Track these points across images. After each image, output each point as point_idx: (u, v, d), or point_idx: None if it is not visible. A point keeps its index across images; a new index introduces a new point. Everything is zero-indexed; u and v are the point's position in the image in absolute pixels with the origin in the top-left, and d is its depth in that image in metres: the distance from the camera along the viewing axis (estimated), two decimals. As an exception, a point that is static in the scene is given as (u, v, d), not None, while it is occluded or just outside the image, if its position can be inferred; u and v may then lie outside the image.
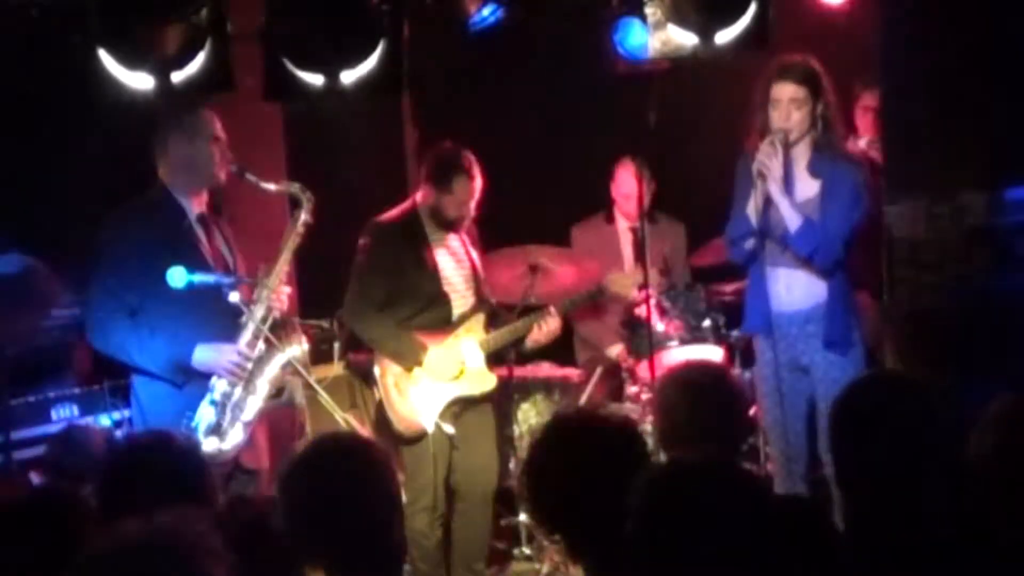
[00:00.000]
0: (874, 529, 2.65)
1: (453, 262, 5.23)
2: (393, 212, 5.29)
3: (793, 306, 4.73)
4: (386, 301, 5.11)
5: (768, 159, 4.62)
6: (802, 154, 4.73)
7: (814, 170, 4.71)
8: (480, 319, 5.26)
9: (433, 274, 5.14)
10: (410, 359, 5.09)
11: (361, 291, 5.12)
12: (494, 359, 5.33)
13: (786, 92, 4.65)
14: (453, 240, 5.26)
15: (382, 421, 5.18)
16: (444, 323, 5.18)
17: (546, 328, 5.31)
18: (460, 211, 5.14)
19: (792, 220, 4.66)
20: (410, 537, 5.10)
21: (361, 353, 5.45)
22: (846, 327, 4.68)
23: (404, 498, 5.12)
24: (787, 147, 4.68)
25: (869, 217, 4.84)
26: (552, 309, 5.35)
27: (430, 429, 5.06)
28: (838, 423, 2.82)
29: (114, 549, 2.01)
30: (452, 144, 5.20)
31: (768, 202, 4.70)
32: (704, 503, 2.32)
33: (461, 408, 5.20)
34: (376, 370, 5.18)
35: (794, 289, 4.73)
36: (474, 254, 5.32)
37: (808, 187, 4.72)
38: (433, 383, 5.11)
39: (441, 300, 5.16)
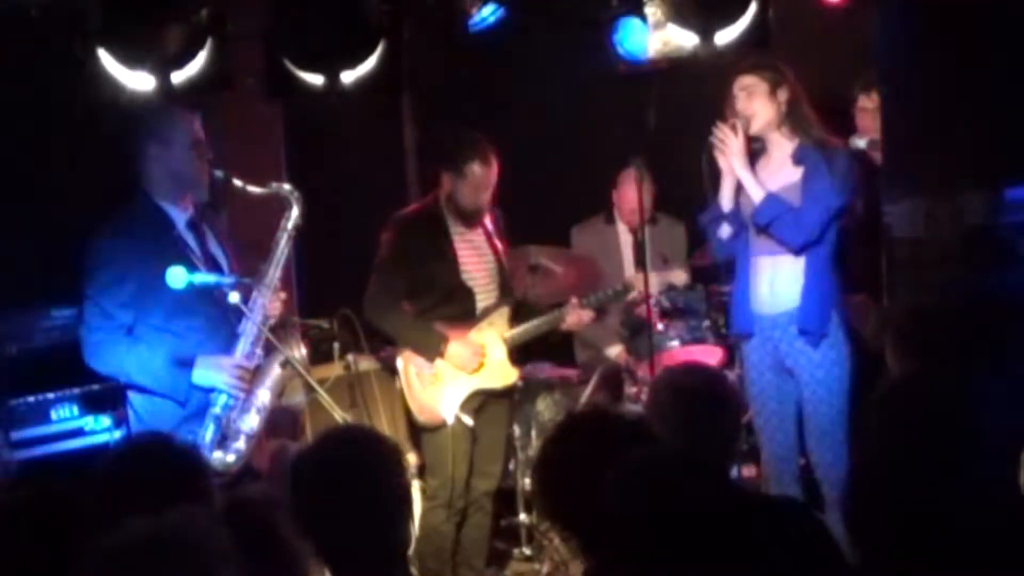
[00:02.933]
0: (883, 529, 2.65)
1: (475, 255, 5.24)
2: (414, 206, 5.33)
3: (776, 307, 4.75)
4: (407, 293, 5.13)
5: (724, 135, 4.72)
6: (785, 144, 4.78)
7: (798, 158, 4.76)
8: (504, 313, 5.28)
9: (452, 265, 5.15)
10: (431, 351, 5.11)
11: (382, 285, 5.13)
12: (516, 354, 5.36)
13: (738, 83, 4.76)
14: (475, 232, 5.26)
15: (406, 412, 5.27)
16: (467, 316, 5.20)
17: (573, 321, 5.36)
18: (474, 200, 5.11)
19: (755, 192, 4.71)
20: (425, 533, 5.15)
21: (370, 352, 5.49)
22: (821, 318, 4.68)
23: (427, 492, 5.17)
24: (748, 135, 4.75)
25: (855, 208, 4.87)
26: (575, 300, 5.38)
27: (450, 420, 5.09)
28: (874, 424, 2.81)
29: (123, 546, 2.01)
30: (468, 130, 5.20)
31: (740, 187, 4.75)
32: (670, 499, 2.31)
33: (481, 401, 5.23)
34: (399, 361, 5.22)
35: (777, 287, 4.74)
36: (499, 245, 5.31)
37: (790, 174, 4.76)
38: (455, 375, 5.13)
39: (461, 292, 5.18)
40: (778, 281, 4.75)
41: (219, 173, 4.41)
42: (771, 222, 4.67)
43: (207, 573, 2.03)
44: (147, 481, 2.82)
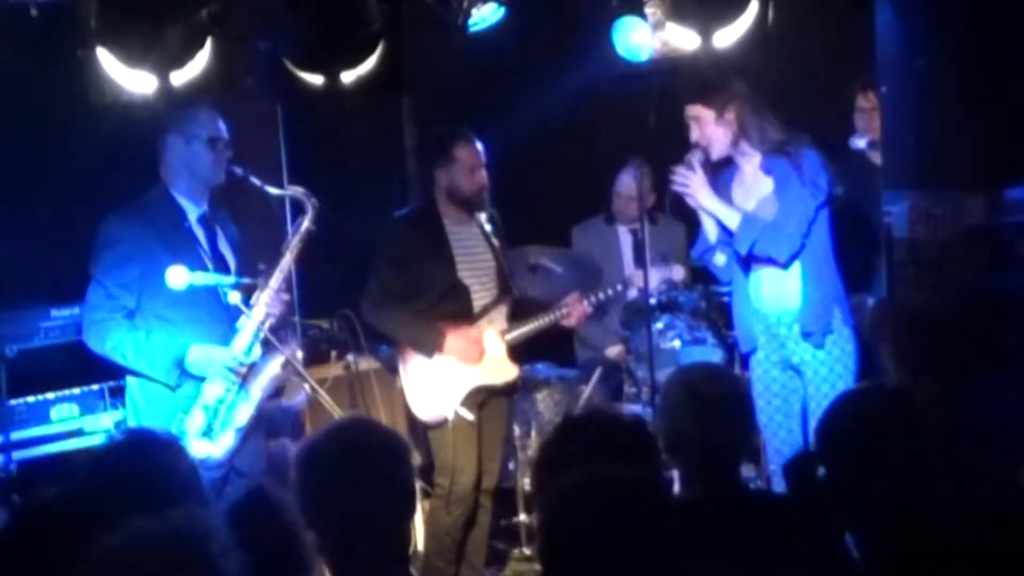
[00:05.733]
0: (869, 538, 2.66)
1: (471, 254, 5.26)
2: (411, 207, 5.36)
3: (781, 306, 4.77)
4: (404, 293, 5.15)
5: (682, 178, 4.74)
6: (752, 157, 4.80)
7: (766, 170, 4.78)
8: (502, 311, 5.30)
9: (449, 264, 5.18)
10: (430, 347, 5.13)
11: (379, 284, 5.17)
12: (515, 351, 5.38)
13: (687, 114, 4.80)
14: (472, 231, 5.28)
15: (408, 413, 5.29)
16: (465, 314, 5.21)
17: (576, 315, 5.37)
18: (472, 182, 5.15)
19: (730, 220, 4.74)
20: (431, 531, 5.19)
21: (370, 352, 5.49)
22: (823, 319, 4.70)
23: (433, 490, 5.18)
24: (710, 161, 4.78)
25: (836, 197, 4.86)
26: (576, 294, 5.39)
27: (450, 417, 5.10)
28: (821, 442, 2.84)
29: (129, 544, 2.01)
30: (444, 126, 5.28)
31: None
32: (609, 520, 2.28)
33: (483, 399, 5.25)
34: (399, 361, 5.24)
35: (779, 289, 4.76)
36: (496, 244, 5.32)
37: (763, 187, 4.79)
38: (454, 373, 5.15)
39: (458, 291, 5.20)
40: (780, 283, 4.77)
41: (239, 169, 4.46)
42: (752, 245, 4.69)
43: (210, 572, 2.03)
44: (139, 482, 2.71)
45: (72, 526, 2.54)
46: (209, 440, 4.30)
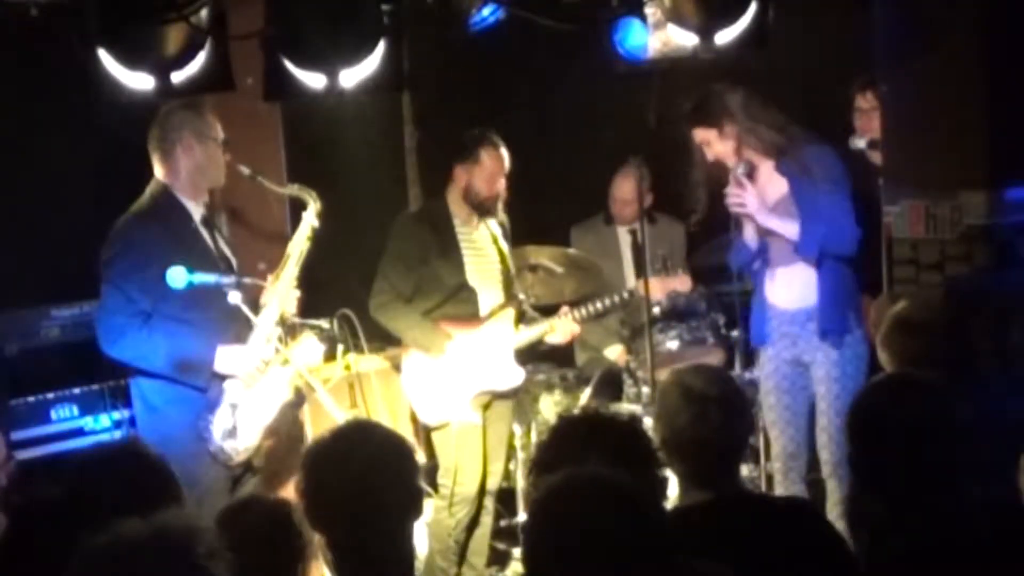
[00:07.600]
0: (890, 531, 2.66)
1: (480, 256, 5.28)
2: (421, 205, 5.34)
3: (794, 304, 4.78)
4: (412, 292, 5.15)
5: (738, 198, 4.76)
6: (763, 164, 4.82)
7: (781, 172, 4.81)
8: (509, 314, 5.32)
9: (457, 265, 5.19)
10: (435, 347, 5.13)
11: (387, 282, 5.18)
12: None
13: (695, 137, 4.87)
14: (481, 233, 5.29)
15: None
16: (471, 316, 5.22)
17: (562, 330, 5.37)
18: (491, 187, 5.18)
19: (789, 231, 4.74)
20: (434, 532, 5.20)
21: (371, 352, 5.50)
22: (841, 318, 4.71)
23: (437, 491, 5.18)
24: (754, 171, 4.83)
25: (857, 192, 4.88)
26: (566, 309, 5.41)
27: (455, 420, 5.09)
28: (852, 428, 2.85)
29: (115, 546, 2.00)
30: (474, 127, 5.31)
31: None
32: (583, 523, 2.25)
33: (487, 401, 5.27)
34: (404, 361, 5.26)
35: (794, 286, 4.78)
36: (504, 248, 5.33)
37: (777, 188, 4.80)
38: (459, 376, 5.15)
39: (465, 291, 5.21)
40: (794, 283, 4.79)
41: (246, 169, 4.50)
42: (821, 250, 4.70)
43: (197, 573, 2.03)
44: (115, 490, 2.70)
45: (67, 527, 2.54)
46: (233, 439, 4.33)
